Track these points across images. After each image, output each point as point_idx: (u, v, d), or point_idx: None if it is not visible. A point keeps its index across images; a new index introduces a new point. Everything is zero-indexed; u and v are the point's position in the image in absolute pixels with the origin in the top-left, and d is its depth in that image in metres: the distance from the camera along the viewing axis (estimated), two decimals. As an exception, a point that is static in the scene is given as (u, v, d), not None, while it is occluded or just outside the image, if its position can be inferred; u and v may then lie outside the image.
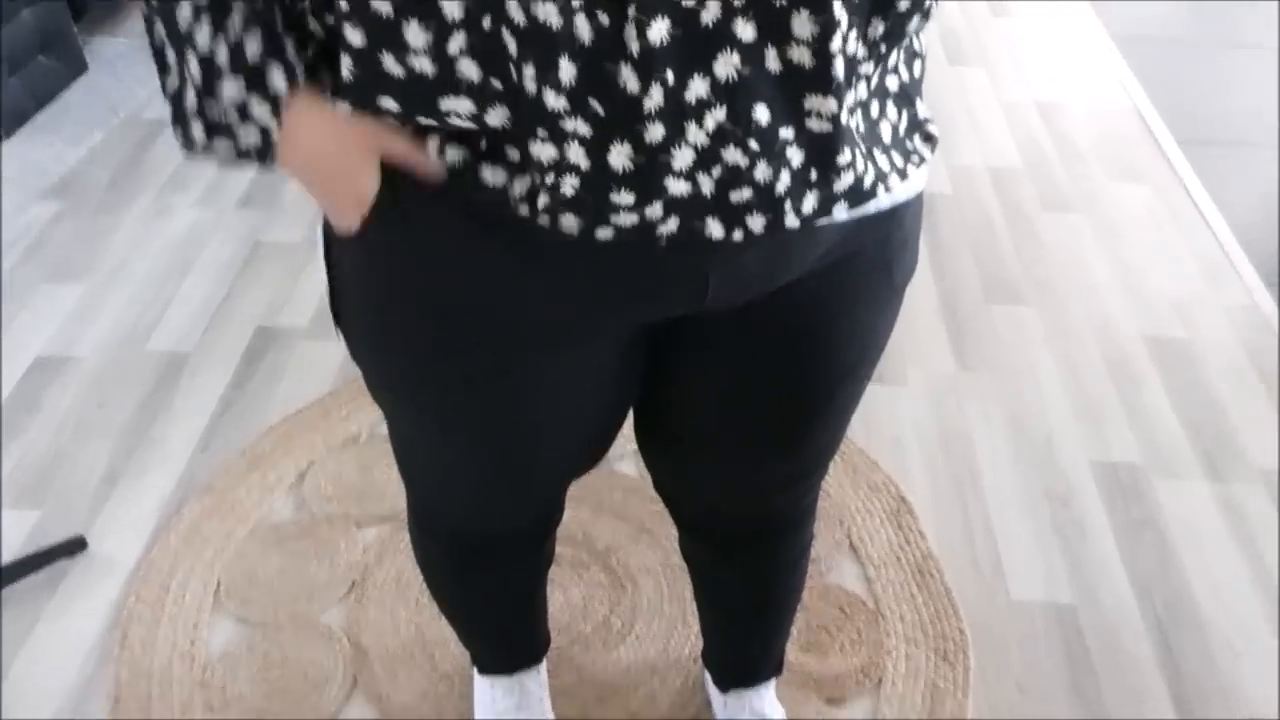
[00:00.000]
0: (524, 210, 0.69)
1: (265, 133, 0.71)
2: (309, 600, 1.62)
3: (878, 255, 0.84)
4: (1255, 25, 3.45)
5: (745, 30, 0.61)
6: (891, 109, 0.75)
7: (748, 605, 1.27)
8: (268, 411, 1.93)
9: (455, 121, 0.66)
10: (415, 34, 0.63)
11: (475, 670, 1.43)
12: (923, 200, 0.88)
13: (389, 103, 0.67)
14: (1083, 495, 1.82)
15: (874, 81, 0.71)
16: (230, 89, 0.69)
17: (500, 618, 1.32)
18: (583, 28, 0.60)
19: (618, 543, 1.70)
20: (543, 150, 0.65)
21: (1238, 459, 1.89)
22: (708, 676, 1.44)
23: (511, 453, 0.91)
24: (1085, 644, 1.58)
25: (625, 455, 1.83)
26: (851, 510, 1.75)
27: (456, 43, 0.63)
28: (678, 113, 0.62)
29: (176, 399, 1.96)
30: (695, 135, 0.64)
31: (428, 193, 0.72)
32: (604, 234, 0.69)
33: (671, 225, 0.68)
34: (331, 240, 0.83)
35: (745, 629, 1.32)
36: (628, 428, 1.02)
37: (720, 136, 0.64)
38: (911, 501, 1.77)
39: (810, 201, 0.70)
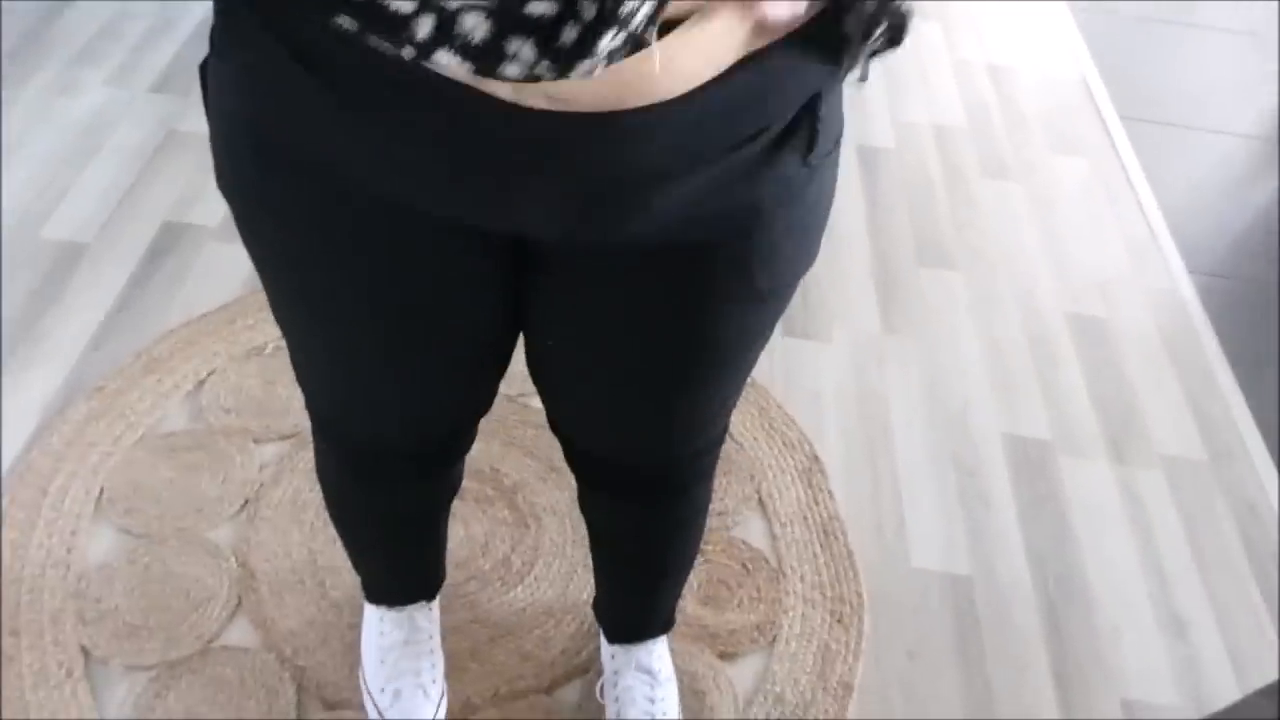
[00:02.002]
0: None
1: None
2: (197, 515, 1.56)
3: (737, 258, 0.80)
4: (1213, 8, 3.46)
5: None
6: None
7: (637, 560, 1.25)
8: (169, 314, 1.83)
9: None
10: None
11: (365, 600, 1.40)
12: (818, 210, 0.83)
13: None
14: (990, 467, 1.83)
15: None
16: None
17: (396, 543, 1.28)
18: None
19: (525, 480, 1.66)
20: None
21: (1142, 443, 1.92)
22: (600, 627, 1.42)
23: (374, 339, 0.88)
24: (976, 615, 1.61)
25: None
26: (763, 466, 1.74)
27: None
28: None
29: (70, 292, 1.85)
30: None
31: (265, 25, 0.68)
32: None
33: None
34: (204, 79, 0.80)
35: (633, 586, 1.31)
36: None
37: None
38: (824, 460, 1.76)
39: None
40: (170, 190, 2.07)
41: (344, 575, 1.50)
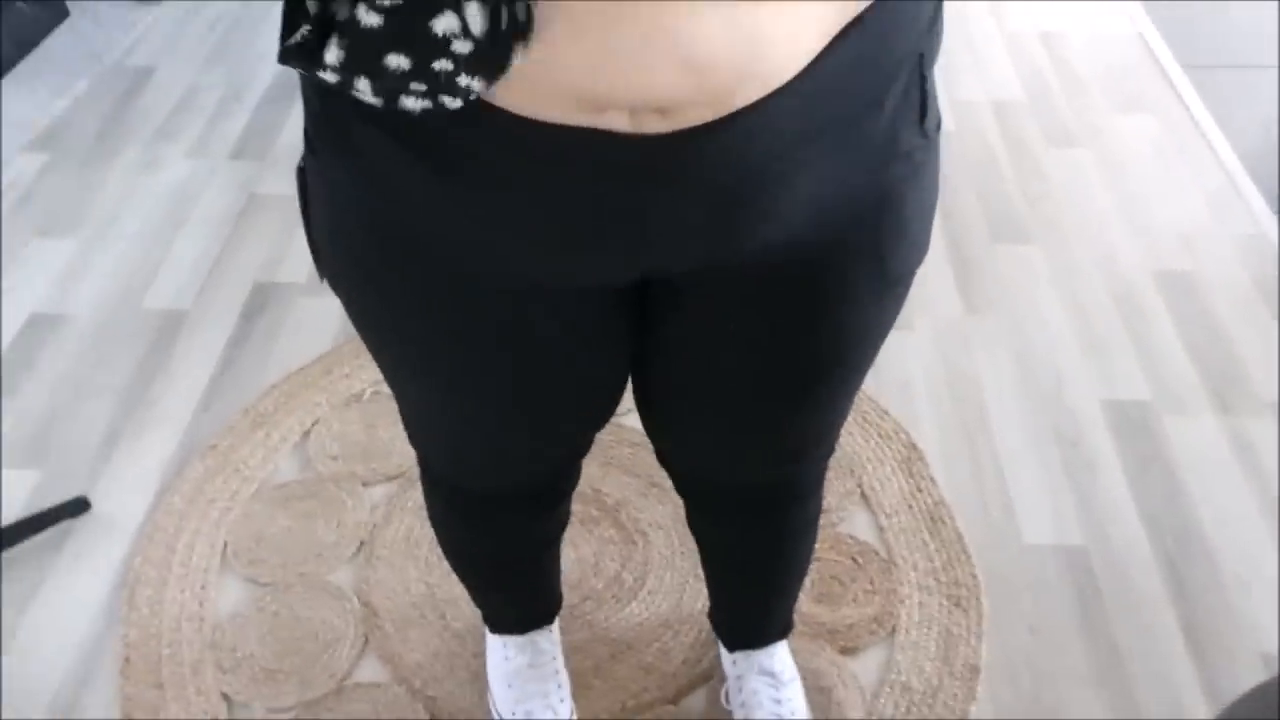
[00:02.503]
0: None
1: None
2: (317, 560, 1.61)
3: (867, 245, 0.79)
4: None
5: None
6: None
7: (751, 574, 1.26)
8: (268, 369, 1.90)
9: None
10: None
11: (486, 629, 1.43)
12: (935, 189, 0.83)
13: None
14: (1091, 435, 1.81)
15: None
16: None
17: (512, 578, 1.31)
18: None
19: (627, 498, 1.69)
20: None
21: (1245, 391, 1.88)
22: (717, 636, 1.43)
23: (493, 406, 0.89)
24: (1096, 584, 1.58)
25: (632, 409, 1.80)
26: (862, 459, 1.74)
27: None
28: None
29: (175, 357, 1.93)
30: None
31: (363, 116, 0.68)
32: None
33: None
34: (303, 181, 0.80)
35: (749, 596, 1.32)
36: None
37: None
38: (922, 448, 1.76)
39: None
40: (257, 251, 2.15)
41: (463, 607, 1.54)
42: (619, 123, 0.63)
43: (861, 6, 0.65)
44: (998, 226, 2.25)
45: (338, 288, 0.85)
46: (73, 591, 1.58)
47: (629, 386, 0.98)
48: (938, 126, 0.79)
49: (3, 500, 1.70)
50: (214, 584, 1.59)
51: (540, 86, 0.61)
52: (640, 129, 0.63)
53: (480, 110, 0.62)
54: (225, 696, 1.45)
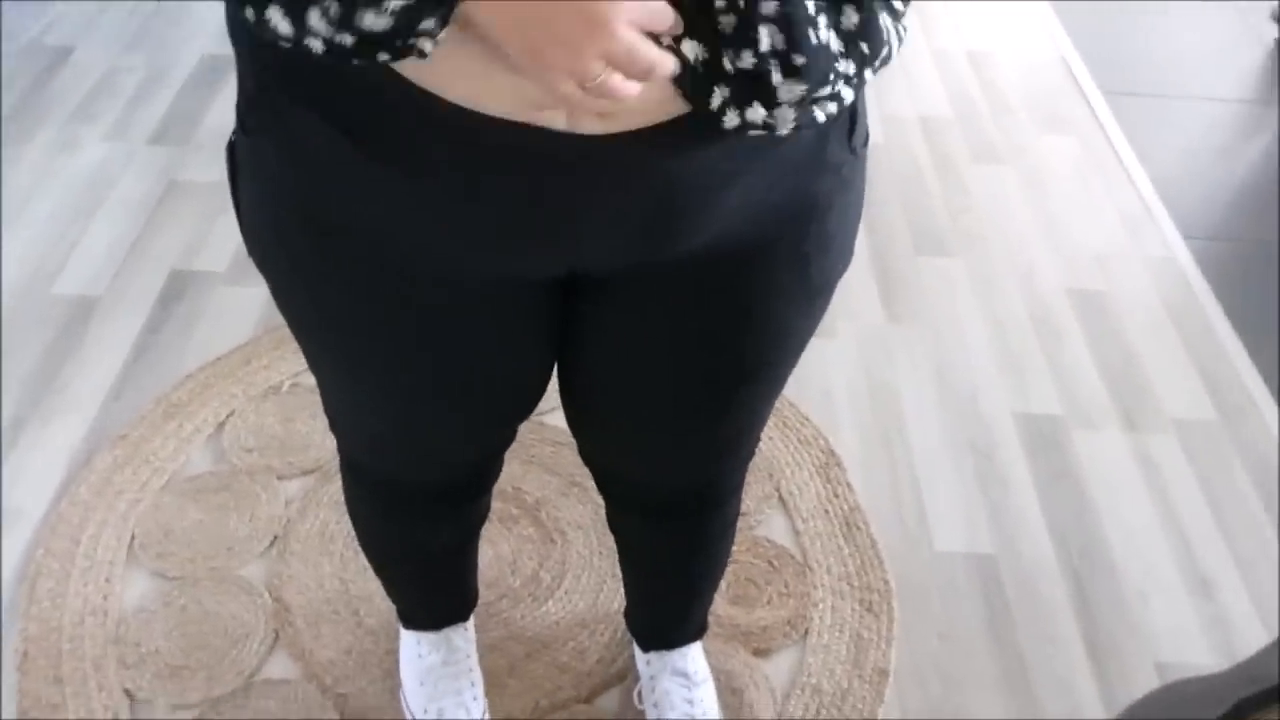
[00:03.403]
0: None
1: None
2: (228, 554, 1.58)
3: (793, 253, 0.81)
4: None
5: None
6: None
7: (668, 575, 1.27)
8: (184, 359, 1.86)
9: None
10: None
11: (401, 625, 1.42)
12: (860, 201, 0.85)
13: None
14: (1005, 447, 1.85)
15: None
16: None
17: (429, 572, 1.30)
18: None
19: (547, 496, 1.68)
20: None
21: (1153, 410, 1.94)
22: (633, 636, 1.44)
23: (417, 399, 0.89)
24: (1004, 593, 1.62)
25: (555, 408, 1.79)
26: (781, 464, 1.76)
27: None
28: None
29: (86, 345, 1.88)
30: None
31: (300, 98, 0.68)
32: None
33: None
34: (232, 158, 0.80)
35: (666, 597, 1.33)
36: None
37: None
38: (840, 454, 1.78)
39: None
40: (176, 239, 2.10)
41: (377, 603, 1.52)
42: (557, 121, 0.64)
43: None
44: (921, 239, 2.30)
45: (264, 268, 0.84)
46: (-33, 583, 1.52)
47: (553, 383, 0.98)
48: (865, 142, 0.81)
49: (-103, 487, 1.63)
50: (119, 577, 1.54)
51: (482, 77, 0.62)
52: (576, 129, 0.64)
53: (418, 96, 0.63)
54: (128, 693, 1.41)
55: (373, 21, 0.57)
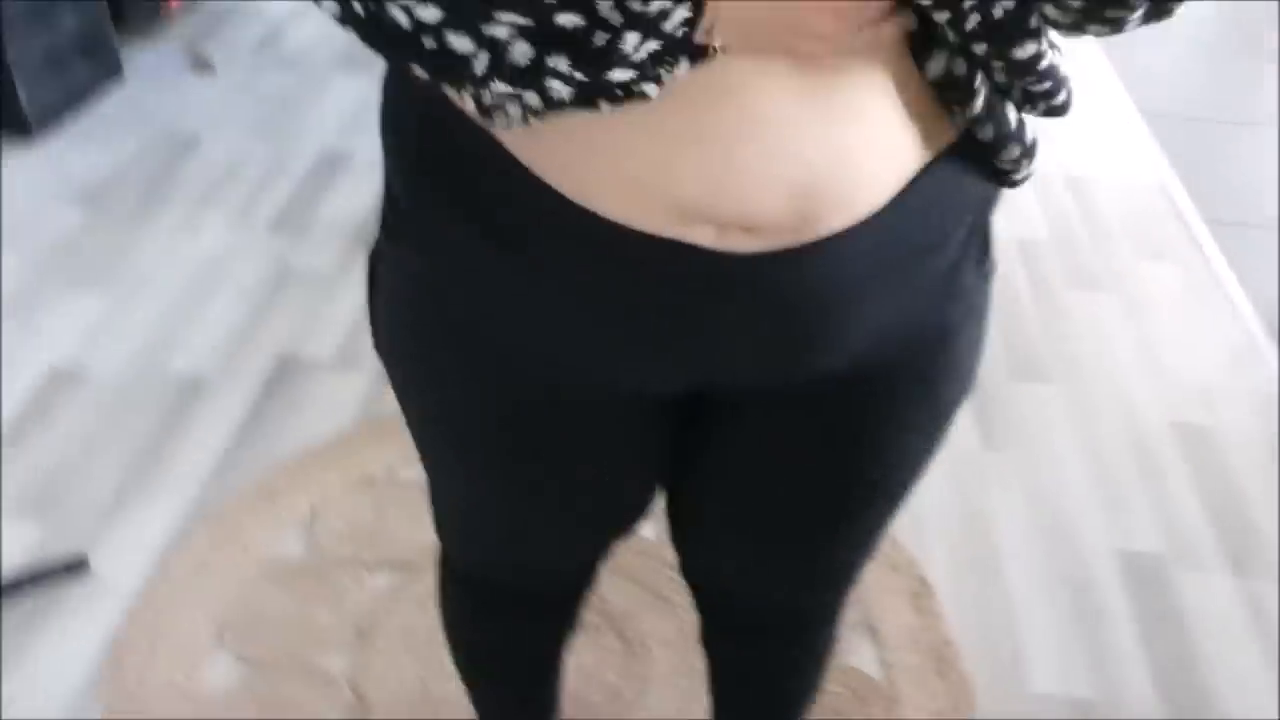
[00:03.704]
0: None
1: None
2: (313, 643, 1.59)
3: (921, 377, 0.81)
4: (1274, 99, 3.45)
5: None
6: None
7: (761, 696, 1.24)
8: (284, 444, 1.90)
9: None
10: None
11: (482, 732, 1.40)
12: (985, 329, 0.85)
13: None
14: (1104, 583, 1.79)
15: None
16: None
17: (516, 679, 1.29)
18: None
19: (632, 609, 1.66)
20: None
21: (1258, 553, 1.86)
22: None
23: (526, 502, 0.90)
24: (1102, 742, 1.55)
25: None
26: (870, 590, 1.72)
27: None
28: None
29: (191, 423, 1.93)
30: None
31: (443, 197, 0.70)
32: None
33: None
34: (374, 264, 0.82)
35: (753, 715, 1.29)
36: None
37: None
38: (932, 583, 1.74)
39: None
40: (285, 325, 2.16)
41: (457, 708, 1.51)
42: (705, 237, 0.65)
43: (945, 143, 0.68)
44: (1018, 364, 2.26)
45: (391, 362, 0.86)
46: (62, 653, 1.55)
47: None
48: (993, 269, 0.81)
49: (2, 552, 1.68)
50: (205, 659, 1.56)
51: (639, 191, 0.63)
52: (724, 245, 0.65)
53: (567, 205, 0.64)
54: (206, 778, 1.42)
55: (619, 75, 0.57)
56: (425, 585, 1.66)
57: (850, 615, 1.66)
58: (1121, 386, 2.22)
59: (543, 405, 0.81)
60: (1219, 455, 2.07)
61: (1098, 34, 0.62)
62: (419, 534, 1.74)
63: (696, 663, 1.58)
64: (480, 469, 0.89)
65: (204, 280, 2.27)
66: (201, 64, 3.02)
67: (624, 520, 0.98)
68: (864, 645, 1.64)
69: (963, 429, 2.08)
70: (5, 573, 1.64)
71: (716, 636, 1.19)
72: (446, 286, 0.76)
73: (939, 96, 0.65)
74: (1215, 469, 2.04)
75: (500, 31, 0.55)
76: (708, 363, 0.75)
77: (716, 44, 0.57)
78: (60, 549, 1.69)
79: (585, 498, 0.90)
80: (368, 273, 0.84)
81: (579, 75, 0.56)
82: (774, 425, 0.84)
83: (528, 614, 1.13)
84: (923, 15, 0.60)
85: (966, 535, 1.85)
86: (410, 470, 1.86)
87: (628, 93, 0.58)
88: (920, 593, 1.72)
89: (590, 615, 1.64)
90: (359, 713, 1.50)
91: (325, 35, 3.18)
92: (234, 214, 2.49)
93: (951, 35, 0.61)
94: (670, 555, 1.70)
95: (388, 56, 0.61)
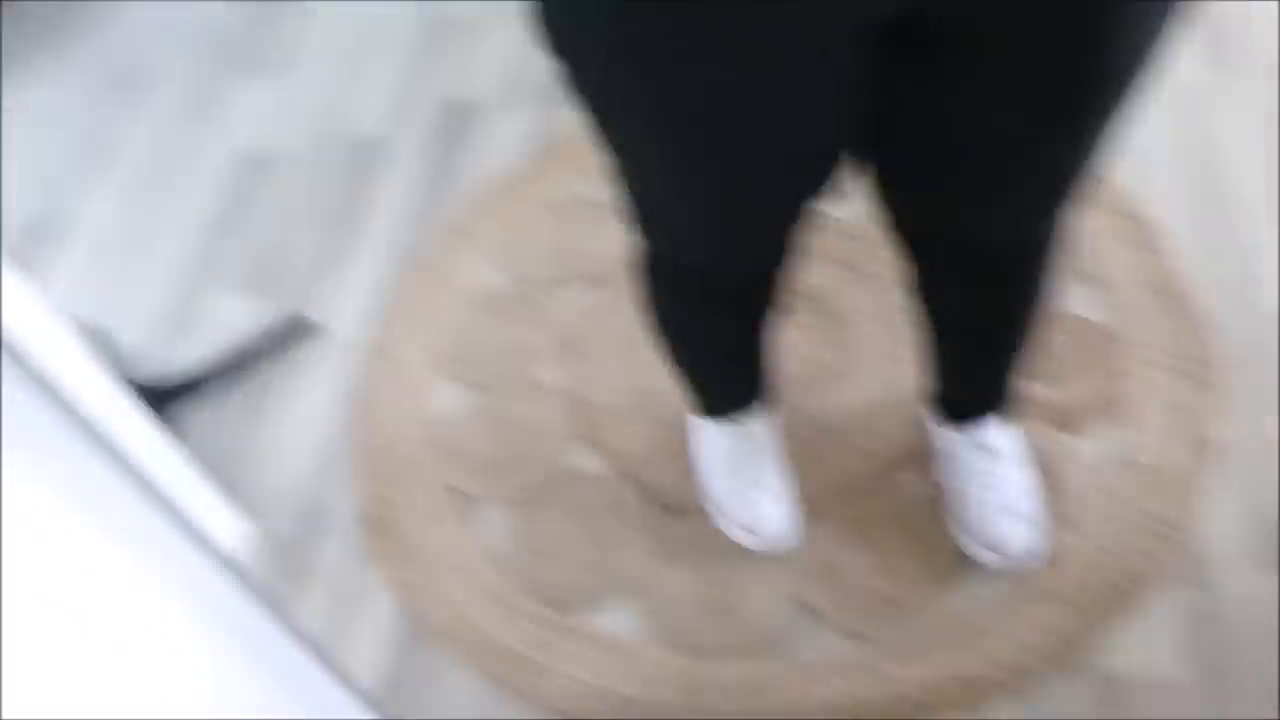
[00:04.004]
0: None
1: None
2: (529, 360, 1.66)
3: None
4: None
5: None
6: None
7: (983, 338, 1.20)
8: (467, 184, 1.94)
9: None
10: None
11: (699, 416, 1.44)
12: None
13: None
14: (1351, 197, 1.62)
15: None
16: None
17: (728, 363, 1.30)
18: None
19: (832, 286, 1.64)
20: None
21: None
22: (932, 414, 1.39)
23: (730, 167, 0.87)
24: (1355, 356, 1.44)
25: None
26: (1089, 232, 1.62)
27: None
28: None
29: (378, 181, 1.99)
30: None
31: None
32: None
33: None
34: None
35: (978, 365, 1.26)
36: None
37: None
38: (1151, 218, 1.62)
39: None
40: (444, 73, 2.16)
41: (670, 398, 1.56)
42: None
43: None
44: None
45: (568, 55, 0.83)
46: (306, 404, 1.69)
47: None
48: None
49: (234, 326, 1.81)
50: (433, 388, 1.66)
51: None
52: None
53: None
54: (454, 489, 1.53)
55: None
56: (623, 294, 1.70)
57: (1071, 266, 1.59)
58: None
59: (737, 56, 0.76)
60: None
61: None
62: (609, 248, 1.77)
63: (897, 330, 1.57)
64: (675, 142, 0.85)
65: (359, 45, 2.28)
66: None
67: (827, 175, 0.93)
68: (1084, 289, 1.56)
69: (1186, 50, 1.87)
70: (244, 342, 1.78)
71: (933, 282, 1.14)
72: None
73: None
74: None
75: None
76: None
77: None
78: (285, 316, 1.80)
79: (796, 144, 0.86)
80: None
81: None
82: (999, 33, 0.77)
83: (733, 297, 1.12)
84: None
85: (1193, 169, 1.70)
86: (590, 189, 1.87)
87: None
88: (1138, 228, 1.61)
89: (792, 297, 1.63)
90: (581, 416, 1.57)
91: None
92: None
93: None
94: (859, 230, 1.67)
95: None
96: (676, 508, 1.45)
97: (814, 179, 0.93)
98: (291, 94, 2.21)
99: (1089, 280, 1.58)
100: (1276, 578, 1.27)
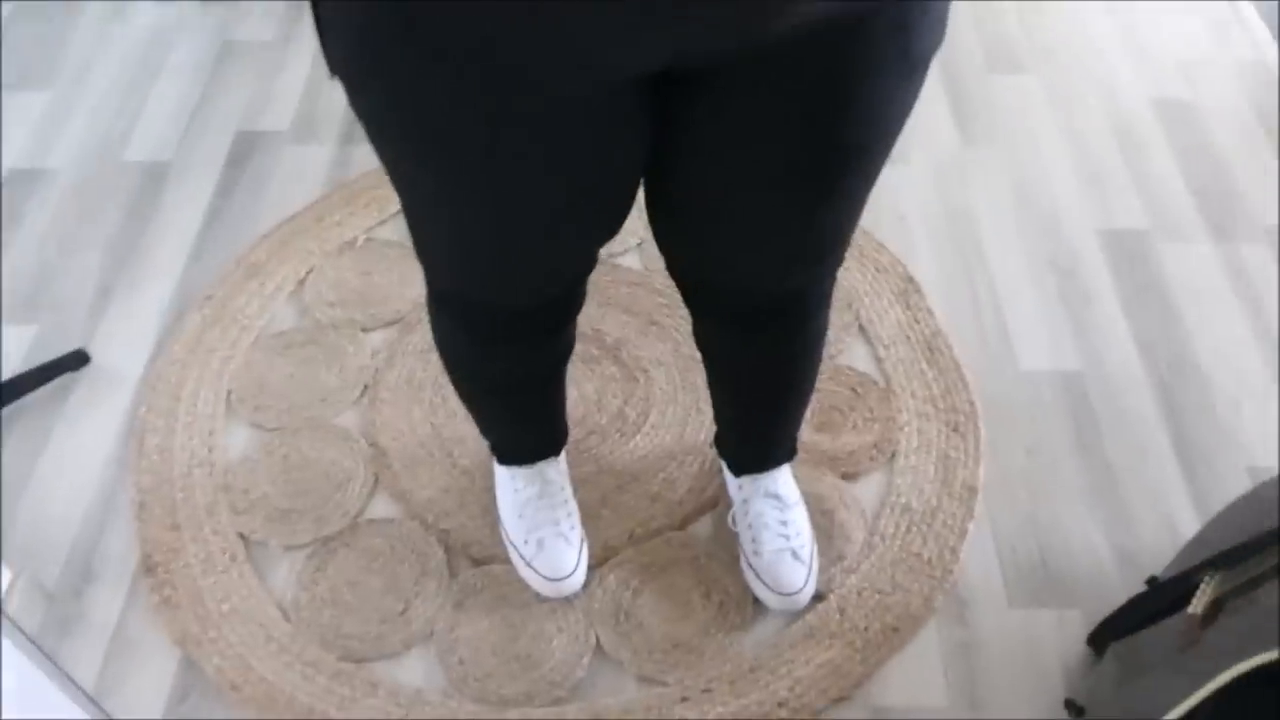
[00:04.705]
0: None
1: None
2: (322, 404, 1.62)
3: (893, 23, 0.79)
4: None
5: None
6: None
7: (759, 390, 1.27)
8: (258, 218, 1.88)
9: None
10: None
11: (495, 463, 1.46)
12: None
13: None
14: (1088, 264, 1.81)
15: None
16: None
17: (520, 404, 1.32)
18: None
19: (627, 336, 1.69)
20: None
21: (1242, 218, 1.88)
22: (723, 462, 1.46)
23: (512, 206, 0.89)
24: (1091, 408, 1.61)
25: (629, 250, 1.80)
26: (859, 292, 1.74)
27: None
28: None
29: (162, 208, 1.90)
30: None
31: None
32: None
33: None
34: None
35: (758, 413, 1.34)
36: (633, 224, 1.00)
37: None
38: (919, 280, 1.76)
39: None
40: (237, 100, 2.09)
41: (469, 445, 1.56)
42: None
43: None
44: (994, 57, 2.21)
45: (352, 81, 0.83)
46: (80, 442, 1.59)
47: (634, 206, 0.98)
48: None
49: (2, 356, 1.69)
50: (221, 430, 1.60)
51: None
52: None
53: None
54: (242, 536, 1.48)
55: None
56: (420, 337, 1.69)
57: (841, 318, 1.70)
58: (1101, 70, 2.18)
59: (516, 101, 0.79)
60: (1200, 127, 2.05)
61: None
62: (407, 290, 1.76)
63: (694, 379, 1.63)
64: (458, 180, 0.87)
65: (144, 64, 2.18)
66: None
67: (608, 218, 0.97)
68: (856, 344, 1.68)
69: (941, 126, 2.05)
70: (6, 375, 1.66)
71: (710, 334, 1.21)
72: None
73: None
74: (1197, 141, 2.02)
75: None
76: (680, 28, 0.72)
77: None
78: (58, 347, 1.69)
79: (569, 191, 0.89)
80: None
81: None
82: (750, 91, 0.82)
83: (522, 335, 1.14)
84: None
85: (950, 231, 1.86)
86: (387, 230, 1.85)
87: None
88: (908, 290, 1.74)
89: (588, 347, 1.67)
90: (378, 461, 1.55)
91: None
92: (162, -10, 2.35)
93: None
94: (659, 283, 1.74)
95: None
96: (476, 556, 1.46)
97: (586, 221, 0.95)
98: (69, 109, 2.08)
99: (864, 335, 1.69)
100: (1025, 612, 1.40)
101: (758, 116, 0.84)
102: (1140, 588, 1.31)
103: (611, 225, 0.98)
